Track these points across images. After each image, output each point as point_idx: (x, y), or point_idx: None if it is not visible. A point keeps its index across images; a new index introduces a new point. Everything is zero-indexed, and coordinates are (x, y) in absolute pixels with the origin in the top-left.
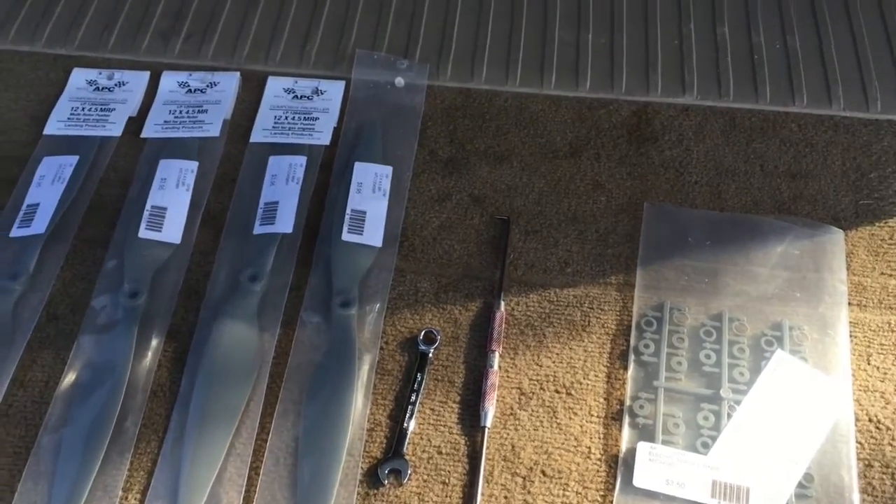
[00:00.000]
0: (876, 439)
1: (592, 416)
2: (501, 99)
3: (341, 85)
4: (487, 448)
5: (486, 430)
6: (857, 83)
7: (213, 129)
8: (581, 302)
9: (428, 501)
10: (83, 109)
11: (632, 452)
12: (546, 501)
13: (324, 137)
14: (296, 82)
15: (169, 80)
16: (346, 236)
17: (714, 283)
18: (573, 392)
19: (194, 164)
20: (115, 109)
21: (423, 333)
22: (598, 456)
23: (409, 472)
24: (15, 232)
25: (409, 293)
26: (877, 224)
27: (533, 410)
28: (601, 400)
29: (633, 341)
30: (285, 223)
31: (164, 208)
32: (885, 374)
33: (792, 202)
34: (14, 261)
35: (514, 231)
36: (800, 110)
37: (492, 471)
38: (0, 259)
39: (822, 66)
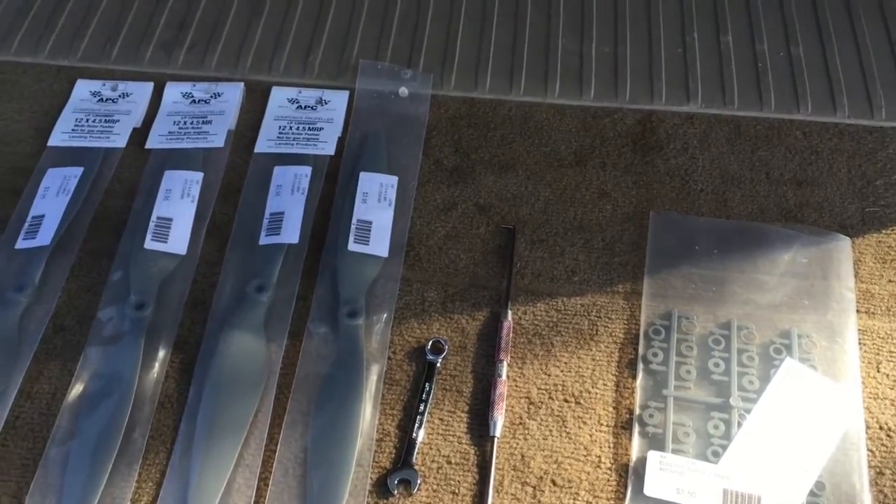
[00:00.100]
0: (887, 447)
1: (602, 425)
2: (505, 108)
3: (345, 95)
4: (497, 458)
5: (496, 439)
6: (861, 91)
7: (218, 140)
8: (588, 311)
9: None
10: (87, 121)
11: (642, 461)
12: None
13: (328, 148)
14: (300, 92)
15: (173, 91)
16: (353, 246)
17: (721, 291)
18: (582, 401)
19: (199, 175)
20: (119, 121)
21: (430, 343)
22: (609, 465)
23: (418, 482)
24: (20, 244)
25: (415, 303)
26: (883, 231)
27: (542, 420)
28: (610, 409)
29: (641, 350)
30: (291, 234)
31: (170, 219)
32: (895, 381)
33: (798, 210)
34: (20, 273)
35: (520, 240)
36: (804, 118)
37: (501, 481)
38: (6, 271)
39: (826, 73)
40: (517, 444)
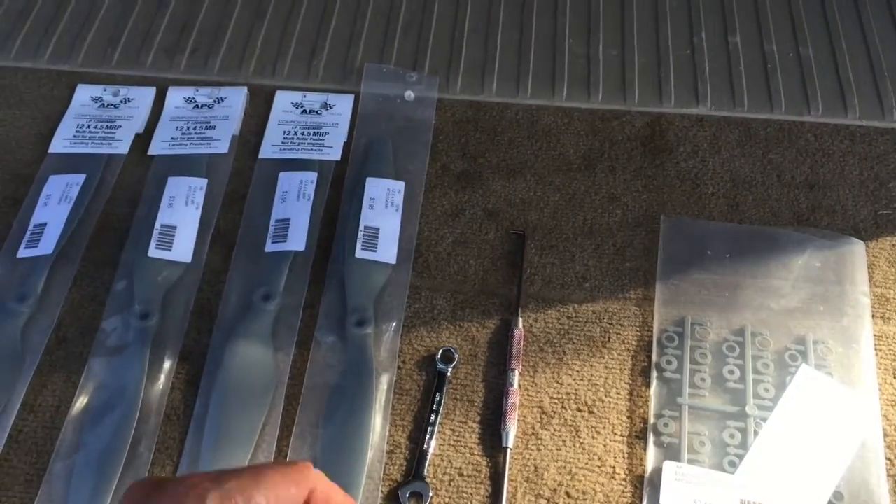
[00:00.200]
0: None
1: (616, 434)
2: (513, 111)
3: (350, 99)
4: (510, 469)
5: (509, 450)
6: (872, 92)
7: (222, 146)
8: (600, 318)
9: None
10: (89, 126)
11: (658, 472)
12: None
13: (334, 153)
14: (304, 96)
15: (175, 96)
16: (360, 253)
17: (735, 297)
18: (595, 410)
19: (203, 182)
20: (121, 126)
21: (440, 352)
22: (623, 476)
23: (430, 494)
24: (22, 253)
25: (425, 310)
26: None
27: (555, 430)
28: (624, 418)
29: (654, 357)
30: (297, 241)
31: (174, 227)
32: None
33: (811, 213)
34: (21, 282)
35: (529, 246)
36: (815, 120)
37: (515, 493)
38: (7, 281)
39: (836, 74)
40: (530, 454)
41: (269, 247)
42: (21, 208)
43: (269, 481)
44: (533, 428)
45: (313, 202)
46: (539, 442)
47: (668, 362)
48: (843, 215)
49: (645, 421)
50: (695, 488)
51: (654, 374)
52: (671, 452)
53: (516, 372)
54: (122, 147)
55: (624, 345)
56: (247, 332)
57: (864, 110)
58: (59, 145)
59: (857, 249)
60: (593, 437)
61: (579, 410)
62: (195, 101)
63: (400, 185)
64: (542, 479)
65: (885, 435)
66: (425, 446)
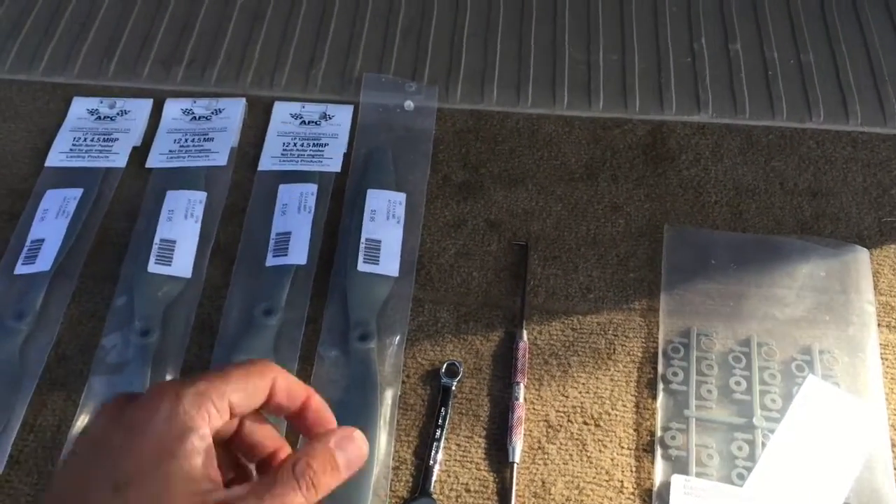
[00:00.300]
0: None
1: (623, 448)
2: (513, 120)
3: (349, 109)
4: (517, 485)
5: (515, 465)
6: (873, 98)
7: (220, 158)
8: (605, 329)
9: None
10: (85, 140)
11: (666, 486)
12: None
13: (334, 164)
14: (303, 107)
15: (172, 108)
16: (362, 266)
17: (739, 306)
18: (602, 423)
19: (202, 195)
20: (118, 139)
21: (445, 366)
22: (631, 490)
23: None
24: (19, 269)
25: (428, 324)
26: None
27: (562, 444)
28: (631, 431)
29: (660, 369)
30: (299, 254)
31: (173, 241)
32: None
33: (814, 221)
34: (19, 300)
35: (532, 257)
36: (817, 126)
37: None
38: (5, 298)
39: (837, 81)
40: (537, 469)
41: (270, 261)
42: (18, 224)
43: (236, 377)
44: (539, 442)
45: (314, 215)
46: (546, 456)
47: (675, 374)
48: (847, 223)
49: (652, 434)
50: (704, 502)
51: (661, 385)
52: (679, 465)
53: (522, 385)
54: (120, 160)
55: (629, 356)
56: (249, 347)
57: (865, 116)
58: (55, 159)
59: (862, 257)
60: (600, 451)
61: (586, 424)
62: (193, 113)
63: (401, 197)
64: (550, 495)
65: (894, 444)
66: (431, 462)
